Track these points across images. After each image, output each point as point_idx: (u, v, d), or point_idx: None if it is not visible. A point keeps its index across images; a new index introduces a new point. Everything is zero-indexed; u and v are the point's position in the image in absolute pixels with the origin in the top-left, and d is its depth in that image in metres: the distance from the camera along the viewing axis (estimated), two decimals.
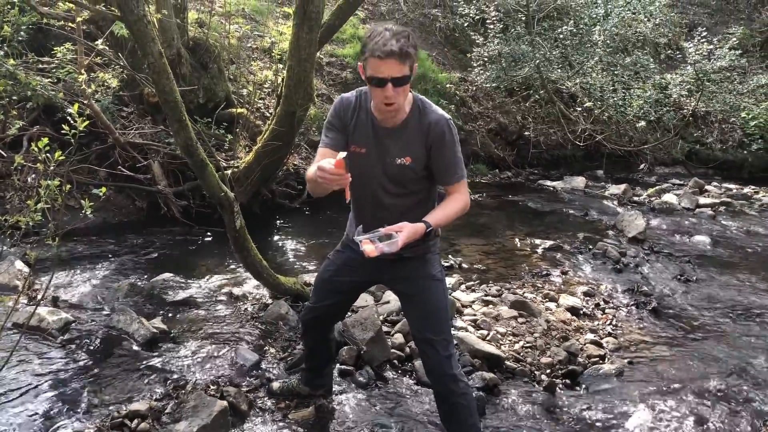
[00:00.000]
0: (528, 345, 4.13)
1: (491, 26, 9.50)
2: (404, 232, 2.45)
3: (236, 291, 4.60)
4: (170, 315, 4.21)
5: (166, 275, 4.74)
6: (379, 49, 2.32)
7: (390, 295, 4.58)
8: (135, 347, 3.74)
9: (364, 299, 4.48)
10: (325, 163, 2.21)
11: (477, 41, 9.62)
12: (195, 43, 6.65)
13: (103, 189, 3.60)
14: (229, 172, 5.62)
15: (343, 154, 2.21)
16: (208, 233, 5.77)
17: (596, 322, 4.58)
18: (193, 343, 3.82)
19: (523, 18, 10.26)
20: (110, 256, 5.20)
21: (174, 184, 6.10)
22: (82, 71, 5.38)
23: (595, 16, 9.76)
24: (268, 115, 6.77)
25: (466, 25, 10.17)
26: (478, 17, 9.91)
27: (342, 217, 7.21)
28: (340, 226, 3.04)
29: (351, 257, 2.87)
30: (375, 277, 2.98)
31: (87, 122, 2.98)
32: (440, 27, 10.90)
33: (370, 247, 2.46)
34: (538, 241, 6.30)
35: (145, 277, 4.81)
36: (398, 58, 2.32)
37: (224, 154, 6.32)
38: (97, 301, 4.36)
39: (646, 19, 10.07)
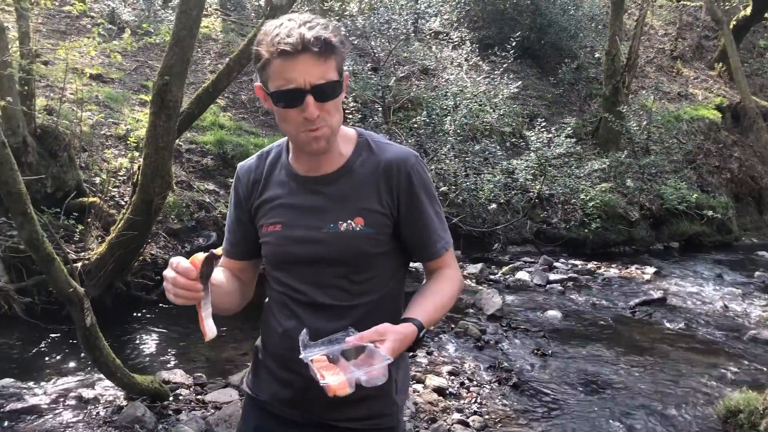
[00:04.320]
0: None
1: (350, 116, 9.86)
2: (389, 340, 1.46)
3: (87, 393, 4.26)
4: (10, 426, 3.81)
5: (6, 381, 4.32)
6: (283, 40, 1.44)
7: None
8: None
9: (229, 394, 4.31)
10: (178, 259, 1.46)
11: None
12: (43, 130, 6.36)
13: None
14: (79, 264, 5.31)
15: (206, 253, 1.45)
16: (55, 332, 5.34)
17: (462, 401, 4.68)
18: None
19: (380, 108, 10.76)
20: None
21: (17, 280, 5.64)
22: None
23: (445, 107, 10.44)
24: (123, 203, 6.51)
25: None
26: None
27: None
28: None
29: (263, 421, 1.80)
30: None
31: None
32: None
33: (336, 378, 1.36)
34: None
35: None
36: (317, 53, 1.45)
37: (74, 245, 5.96)
38: None
39: (491, 110, 10.88)
